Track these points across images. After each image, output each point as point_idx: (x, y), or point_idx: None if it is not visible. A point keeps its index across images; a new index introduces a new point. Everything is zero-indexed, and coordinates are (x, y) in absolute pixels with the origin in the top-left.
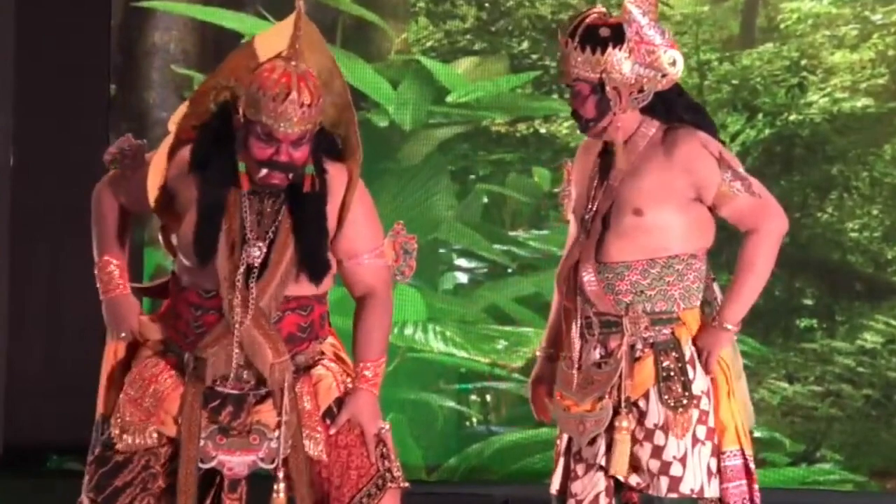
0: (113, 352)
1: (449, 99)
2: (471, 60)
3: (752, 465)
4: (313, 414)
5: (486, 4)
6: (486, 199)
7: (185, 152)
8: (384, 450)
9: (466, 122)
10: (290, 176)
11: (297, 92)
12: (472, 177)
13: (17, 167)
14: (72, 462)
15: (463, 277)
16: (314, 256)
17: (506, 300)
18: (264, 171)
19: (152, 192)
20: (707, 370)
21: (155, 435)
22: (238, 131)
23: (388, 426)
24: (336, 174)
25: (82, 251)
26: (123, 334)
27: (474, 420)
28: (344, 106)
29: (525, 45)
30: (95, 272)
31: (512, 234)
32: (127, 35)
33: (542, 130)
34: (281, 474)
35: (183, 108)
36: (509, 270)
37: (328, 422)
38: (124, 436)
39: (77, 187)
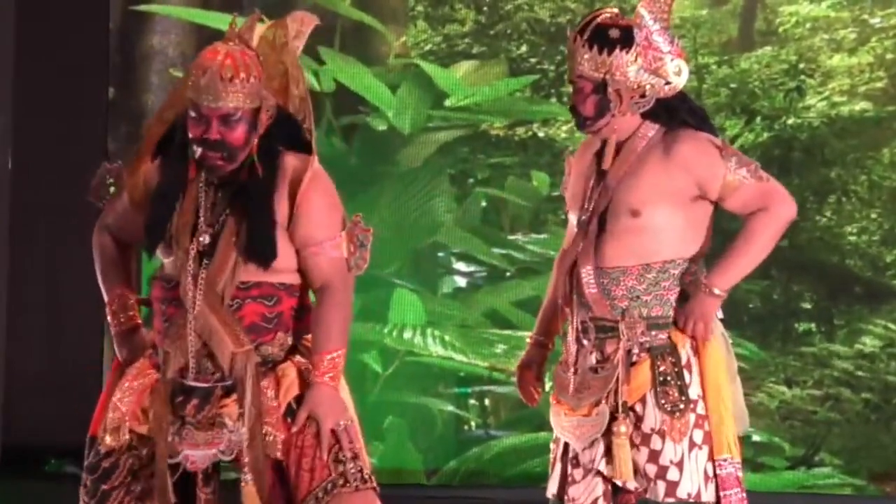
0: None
1: (448, 103)
2: (470, 64)
3: (740, 474)
4: (273, 412)
5: (485, 8)
6: (484, 203)
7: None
8: (339, 452)
9: (465, 125)
10: (225, 155)
11: (219, 66)
12: (471, 180)
13: (16, 168)
14: (71, 465)
15: (462, 281)
16: (258, 241)
17: (505, 304)
18: (199, 151)
19: (135, 190)
20: (703, 336)
21: (128, 434)
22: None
23: (348, 422)
24: (296, 165)
25: (82, 251)
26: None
27: (473, 424)
28: (301, 98)
29: (524, 48)
30: (109, 305)
31: (511, 237)
32: (125, 38)
33: (541, 134)
34: (247, 459)
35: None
36: (508, 274)
37: (289, 420)
38: (105, 436)
39: (76, 188)
